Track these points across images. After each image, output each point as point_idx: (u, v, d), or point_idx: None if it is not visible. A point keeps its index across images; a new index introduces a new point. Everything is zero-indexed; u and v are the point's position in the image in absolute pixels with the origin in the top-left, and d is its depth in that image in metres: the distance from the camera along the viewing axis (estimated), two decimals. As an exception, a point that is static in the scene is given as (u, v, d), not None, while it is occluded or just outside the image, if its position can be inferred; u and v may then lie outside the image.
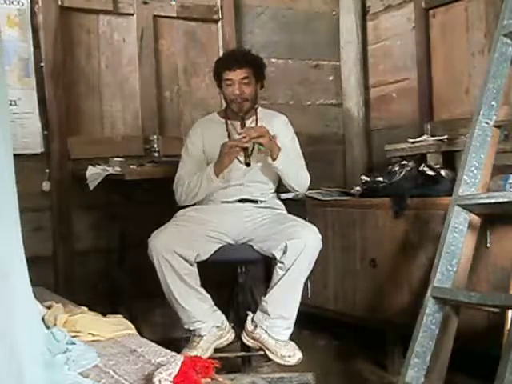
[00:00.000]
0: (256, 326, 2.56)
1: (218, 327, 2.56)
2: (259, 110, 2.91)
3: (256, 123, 2.82)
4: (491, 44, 2.40)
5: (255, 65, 2.81)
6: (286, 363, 2.54)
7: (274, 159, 2.66)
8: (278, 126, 2.84)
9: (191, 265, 2.51)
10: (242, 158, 2.67)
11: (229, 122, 2.84)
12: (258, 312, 2.57)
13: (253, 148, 2.73)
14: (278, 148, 2.67)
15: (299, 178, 2.78)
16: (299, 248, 2.45)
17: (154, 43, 3.44)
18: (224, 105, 3.00)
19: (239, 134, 2.66)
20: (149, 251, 2.49)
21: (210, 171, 2.68)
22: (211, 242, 2.63)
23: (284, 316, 2.53)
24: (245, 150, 2.62)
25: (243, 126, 2.72)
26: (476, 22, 3.24)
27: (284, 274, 2.48)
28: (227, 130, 2.82)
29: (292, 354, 2.53)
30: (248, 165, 2.63)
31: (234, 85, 2.74)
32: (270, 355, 2.55)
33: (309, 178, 2.80)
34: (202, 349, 2.50)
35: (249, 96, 2.77)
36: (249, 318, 2.61)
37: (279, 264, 2.49)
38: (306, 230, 2.53)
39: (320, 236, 2.53)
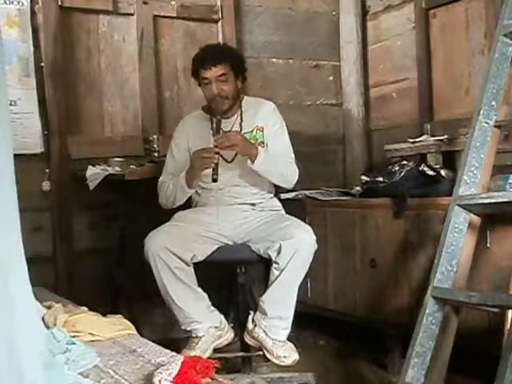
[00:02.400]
0: (256, 326, 2.57)
1: (216, 327, 2.56)
2: (244, 100, 2.82)
3: (241, 117, 2.76)
4: (491, 44, 2.40)
5: (232, 60, 2.70)
6: (281, 363, 2.54)
7: (252, 161, 2.58)
8: (265, 116, 2.77)
9: (187, 265, 2.50)
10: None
11: (213, 118, 2.73)
12: (257, 312, 2.57)
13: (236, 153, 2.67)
14: (255, 150, 2.59)
15: (284, 176, 2.71)
16: (293, 248, 2.43)
17: (154, 43, 3.44)
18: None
19: (214, 140, 2.55)
20: (145, 252, 2.48)
21: (182, 181, 2.63)
22: (208, 244, 2.62)
23: (281, 316, 2.53)
24: (215, 164, 2.50)
25: (218, 130, 2.60)
26: (476, 22, 3.23)
27: (279, 275, 2.48)
28: (212, 128, 2.72)
29: (288, 355, 2.53)
30: (215, 181, 2.50)
31: (211, 83, 2.64)
32: (267, 355, 2.54)
33: (296, 173, 2.73)
34: (201, 350, 2.49)
35: (228, 93, 2.67)
36: (250, 317, 2.61)
37: (274, 264, 2.49)
38: (300, 231, 2.49)
39: (314, 237, 2.49)
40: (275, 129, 2.77)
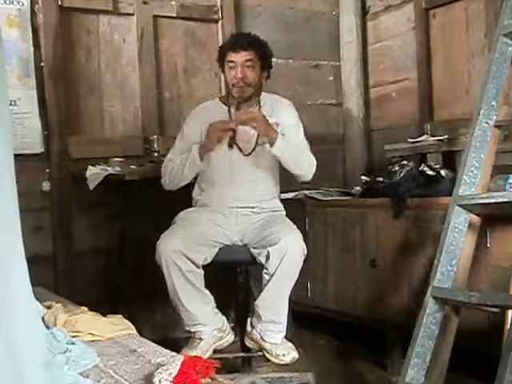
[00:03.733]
0: (253, 328, 2.57)
1: (218, 329, 2.56)
2: (262, 95, 2.77)
3: (259, 110, 2.70)
4: (491, 44, 2.40)
5: (260, 48, 2.68)
6: (281, 362, 2.54)
7: (271, 144, 2.57)
8: (281, 113, 2.75)
9: (198, 268, 2.50)
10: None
11: (231, 109, 2.71)
12: (254, 315, 2.58)
13: (256, 143, 2.66)
14: (274, 132, 2.57)
15: (302, 164, 2.67)
16: (280, 254, 2.42)
17: (154, 43, 3.44)
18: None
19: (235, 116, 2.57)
20: (157, 255, 2.45)
21: (194, 153, 2.60)
22: (213, 246, 2.61)
23: (274, 320, 2.53)
24: (232, 132, 2.52)
25: (239, 110, 2.61)
26: (476, 22, 3.24)
27: (269, 280, 2.48)
28: (230, 118, 2.68)
29: (286, 353, 2.53)
30: (230, 146, 2.53)
31: (237, 67, 2.61)
32: (266, 354, 2.55)
33: (314, 163, 2.69)
34: (202, 350, 2.49)
35: (252, 81, 2.64)
36: (249, 320, 2.61)
37: (264, 270, 2.50)
38: (288, 236, 2.46)
39: (302, 242, 2.48)
40: (291, 124, 2.75)
